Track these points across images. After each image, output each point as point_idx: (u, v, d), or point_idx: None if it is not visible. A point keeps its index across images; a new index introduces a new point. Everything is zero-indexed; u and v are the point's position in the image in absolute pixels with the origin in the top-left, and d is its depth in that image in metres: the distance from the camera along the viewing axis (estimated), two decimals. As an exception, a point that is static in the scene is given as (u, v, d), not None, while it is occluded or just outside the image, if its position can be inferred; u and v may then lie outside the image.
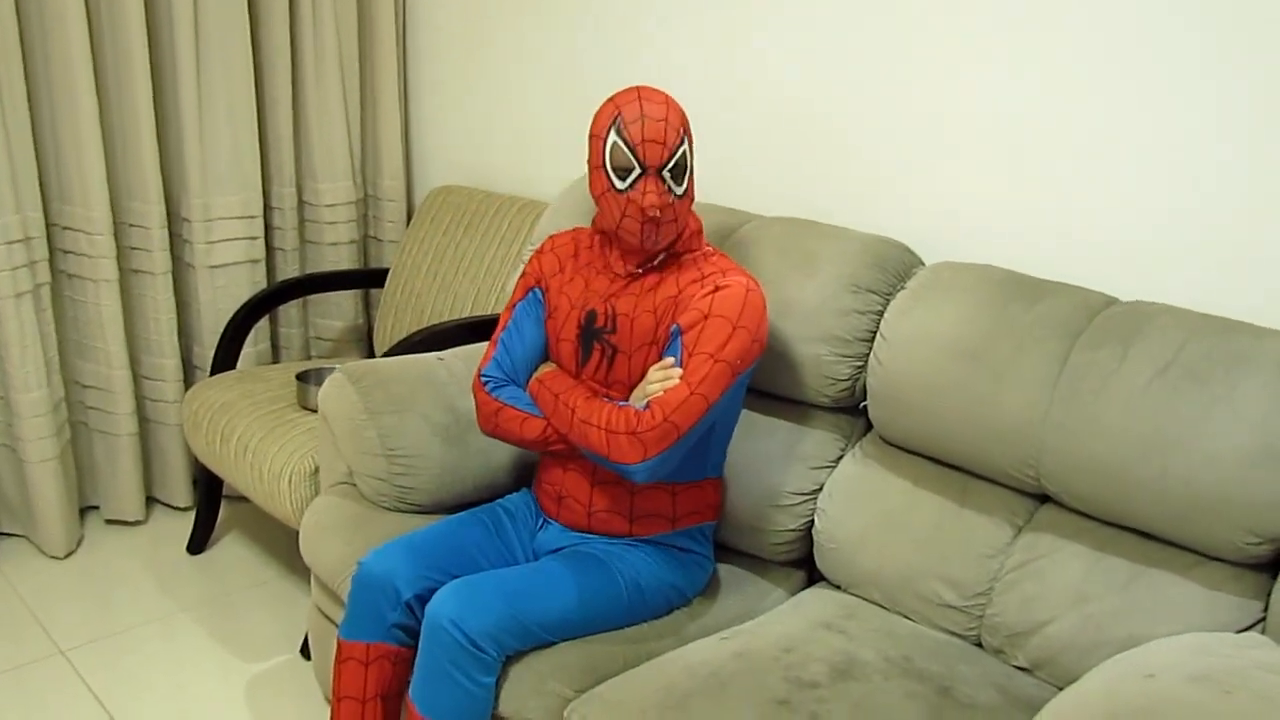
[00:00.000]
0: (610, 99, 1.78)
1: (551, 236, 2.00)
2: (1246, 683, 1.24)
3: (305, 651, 2.49)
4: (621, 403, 1.77)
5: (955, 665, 1.71)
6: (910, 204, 2.20)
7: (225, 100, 2.86)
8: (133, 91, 2.72)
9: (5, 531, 2.91)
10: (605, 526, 1.87)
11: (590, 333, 1.86)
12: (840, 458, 2.05)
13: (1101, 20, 1.88)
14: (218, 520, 3.01)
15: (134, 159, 2.78)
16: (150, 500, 3.10)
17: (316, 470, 2.35)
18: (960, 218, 2.13)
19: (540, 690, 1.68)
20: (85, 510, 3.04)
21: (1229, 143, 1.78)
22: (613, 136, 1.74)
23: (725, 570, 2.03)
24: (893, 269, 2.01)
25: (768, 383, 2.07)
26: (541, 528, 1.94)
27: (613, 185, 1.76)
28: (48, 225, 2.77)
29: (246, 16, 2.85)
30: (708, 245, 1.89)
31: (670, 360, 1.75)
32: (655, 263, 1.85)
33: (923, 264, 2.07)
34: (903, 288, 1.99)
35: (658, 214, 1.74)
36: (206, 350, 2.99)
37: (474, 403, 1.97)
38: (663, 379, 1.74)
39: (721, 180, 2.53)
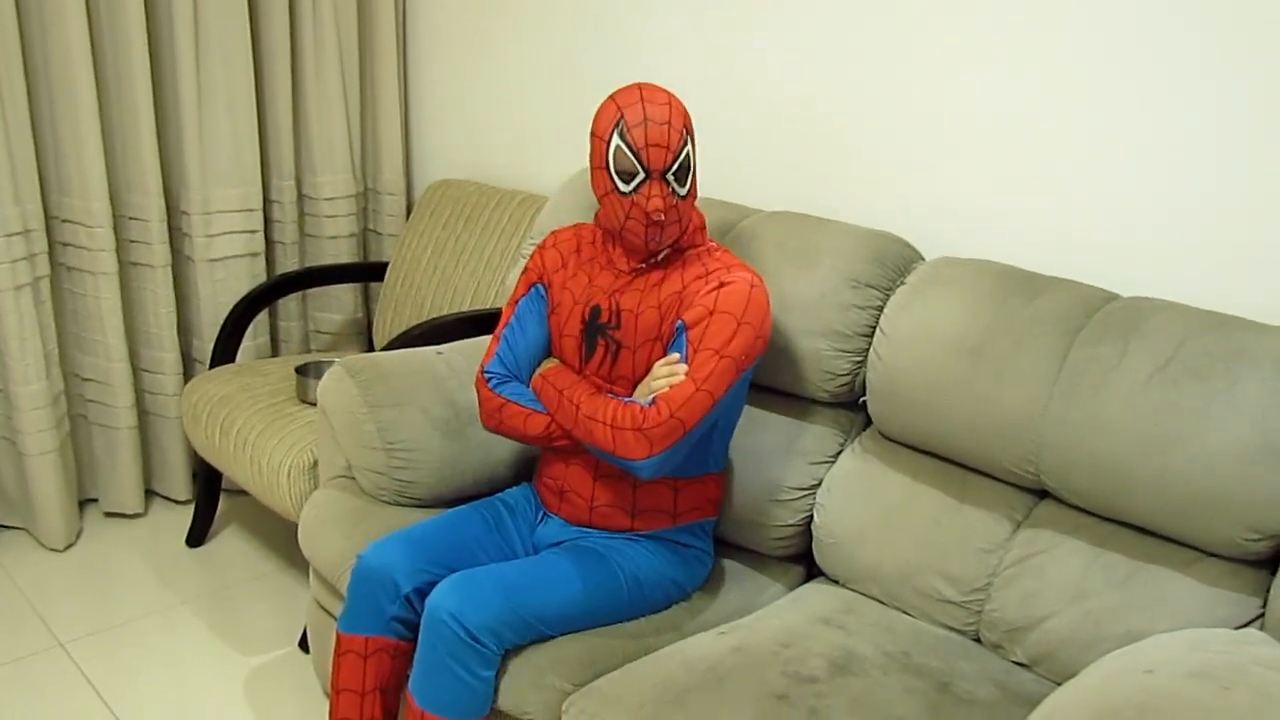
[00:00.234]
0: (611, 97, 1.76)
1: (554, 232, 1.99)
2: (1245, 679, 1.24)
3: (304, 644, 2.49)
4: (626, 398, 1.77)
5: (954, 661, 1.71)
6: (910, 205, 2.20)
7: (225, 93, 2.85)
8: (132, 84, 2.71)
9: (4, 524, 2.91)
10: (606, 521, 1.88)
11: (594, 328, 1.86)
12: (839, 453, 2.05)
13: (1101, 20, 1.89)
14: (217, 513, 3.02)
15: (133, 152, 2.77)
16: (149, 493, 3.10)
17: (316, 464, 2.35)
18: (960, 218, 2.13)
19: (539, 684, 1.68)
20: (84, 503, 3.04)
21: (1229, 143, 1.78)
22: (616, 140, 1.72)
23: (724, 565, 2.04)
24: (892, 264, 2.01)
25: (767, 378, 2.07)
26: (541, 521, 1.95)
27: (616, 188, 1.75)
28: (47, 218, 2.77)
29: (246, 9, 2.84)
30: (711, 240, 1.89)
31: (676, 356, 1.75)
32: (659, 258, 1.84)
33: (922, 259, 2.07)
34: (902, 283, 1.98)
35: (662, 217, 1.74)
36: (206, 343, 2.99)
37: (476, 398, 1.97)
38: (668, 375, 1.74)
39: (722, 180, 2.52)
